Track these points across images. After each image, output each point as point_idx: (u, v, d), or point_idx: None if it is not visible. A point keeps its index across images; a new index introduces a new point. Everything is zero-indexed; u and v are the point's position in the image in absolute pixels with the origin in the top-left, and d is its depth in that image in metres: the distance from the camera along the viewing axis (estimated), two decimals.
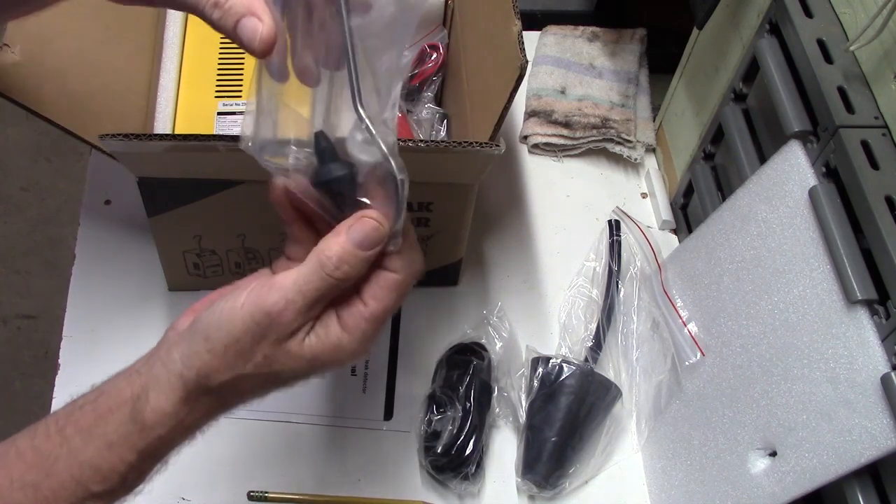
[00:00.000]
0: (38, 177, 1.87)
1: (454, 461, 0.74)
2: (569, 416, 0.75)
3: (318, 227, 0.51)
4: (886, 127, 0.61)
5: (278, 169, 0.49)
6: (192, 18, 0.86)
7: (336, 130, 0.49)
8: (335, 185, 0.48)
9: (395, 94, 0.48)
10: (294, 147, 0.49)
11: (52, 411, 0.50)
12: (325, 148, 0.48)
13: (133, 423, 0.47)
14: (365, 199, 0.48)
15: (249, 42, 0.46)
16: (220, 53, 0.86)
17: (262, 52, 0.47)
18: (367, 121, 0.47)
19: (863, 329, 0.57)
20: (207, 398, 0.48)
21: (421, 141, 0.65)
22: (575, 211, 0.95)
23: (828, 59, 0.64)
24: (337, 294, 0.48)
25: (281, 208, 0.51)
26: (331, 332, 0.48)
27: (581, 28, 1.05)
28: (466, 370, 0.78)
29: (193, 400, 0.48)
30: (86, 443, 0.47)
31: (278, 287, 0.46)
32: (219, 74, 0.85)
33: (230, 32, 0.47)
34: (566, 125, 0.98)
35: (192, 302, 0.51)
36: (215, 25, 0.48)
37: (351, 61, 0.46)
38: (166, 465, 0.51)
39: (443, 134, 0.90)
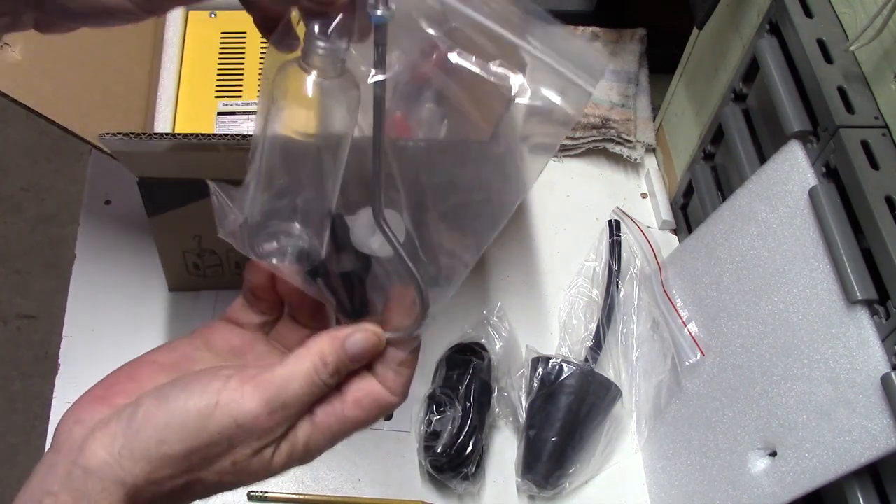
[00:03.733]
0: (38, 177, 1.87)
1: (454, 461, 0.74)
2: (569, 416, 0.75)
3: (292, 312, 0.46)
4: (886, 127, 0.60)
5: (272, 259, 0.43)
6: (193, 18, 0.87)
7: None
8: (348, 278, 0.43)
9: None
10: (298, 227, 0.42)
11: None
12: (342, 235, 0.43)
13: None
14: (374, 297, 0.44)
15: None
16: (220, 53, 0.86)
17: None
18: (393, 239, 0.41)
19: (863, 329, 0.57)
20: (150, 502, 0.40)
21: (421, 140, 0.65)
22: (575, 211, 0.95)
23: (828, 59, 0.64)
24: None
25: (259, 290, 0.45)
26: (300, 434, 0.42)
27: (581, 28, 1.05)
28: (466, 370, 0.78)
29: None
30: None
31: (266, 387, 0.40)
32: (219, 74, 0.85)
33: None
34: None
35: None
36: None
37: (378, 169, 0.40)
38: None
39: (443, 134, 0.90)
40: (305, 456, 0.42)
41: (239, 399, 0.39)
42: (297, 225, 0.42)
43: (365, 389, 0.43)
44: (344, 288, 0.44)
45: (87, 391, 0.42)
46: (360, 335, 0.42)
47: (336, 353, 0.41)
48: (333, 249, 0.43)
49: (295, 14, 0.41)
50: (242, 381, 0.40)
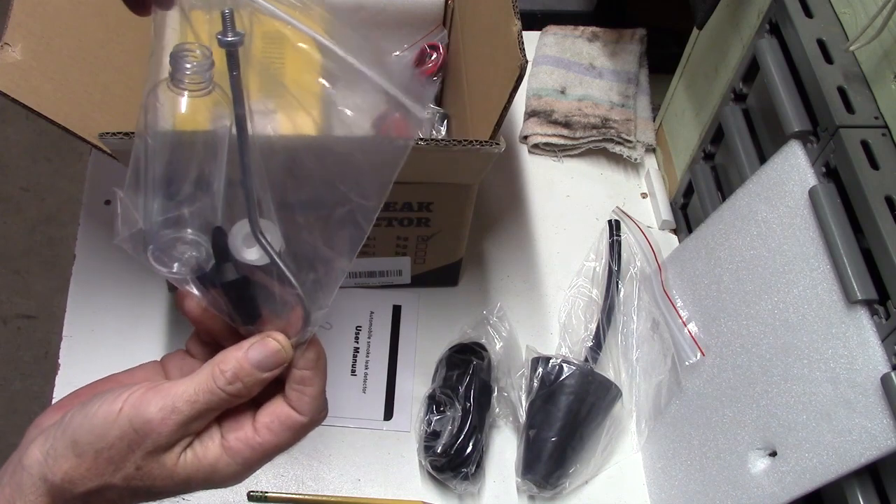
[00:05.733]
0: (38, 177, 1.87)
1: (454, 461, 0.74)
2: (569, 416, 0.75)
3: (219, 339, 0.48)
4: (886, 127, 0.61)
5: (168, 270, 0.44)
6: (192, 18, 0.86)
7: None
8: (230, 288, 0.44)
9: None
10: (191, 235, 0.43)
11: None
12: (222, 246, 0.44)
13: None
14: (268, 306, 0.45)
15: None
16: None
17: None
18: (270, 249, 0.43)
19: (863, 329, 0.57)
20: (70, 501, 0.44)
21: (421, 140, 0.65)
22: (575, 211, 0.95)
23: (828, 59, 0.64)
24: (224, 410, 0.45)
25: (188, 316, 0.47)
26: (209, 452, 0.44)
27: (581, 28, 1.05)
28: (466, 370, 0.78)
29: None
30: None
31: (164, 394, 0.43)
32: None
33: None
34: (566, 125, 0.98)
35: None
36: None
37: (249, 180, 0.42)
38: None
39: (443, 134, 0.90)
40: (214, 476, 0.45)
41: (138, 406, 0.43)
42: (189, 233, 0.43)
43: (273, 413, 0.45)
44: (228, 298, 0.44)
45: (57, 401, 0.47)
46: (259, 342, 0.44)
47: (235, 360, 0.44)
48: (216, 260, 0.44)
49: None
50: (146, 390, 0.43)
